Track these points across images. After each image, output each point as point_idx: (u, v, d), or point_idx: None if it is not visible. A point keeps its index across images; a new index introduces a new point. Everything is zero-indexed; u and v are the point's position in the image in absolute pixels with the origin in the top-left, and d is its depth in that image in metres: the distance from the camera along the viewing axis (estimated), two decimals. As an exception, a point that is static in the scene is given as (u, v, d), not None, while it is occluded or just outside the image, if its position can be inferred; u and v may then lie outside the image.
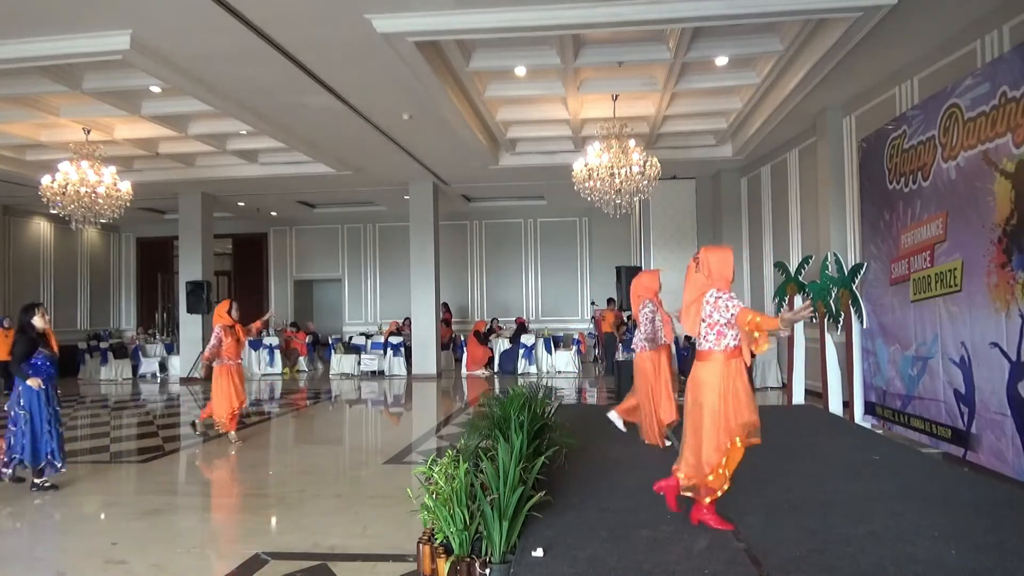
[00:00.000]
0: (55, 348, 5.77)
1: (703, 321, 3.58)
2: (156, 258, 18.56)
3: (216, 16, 6.10)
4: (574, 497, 4.17)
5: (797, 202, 10.75)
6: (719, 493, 3.60)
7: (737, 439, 3.51)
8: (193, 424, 7.37)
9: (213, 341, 7.32)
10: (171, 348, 15.51)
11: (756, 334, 3.41)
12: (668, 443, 5.66)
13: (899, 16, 6.26)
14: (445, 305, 16.11)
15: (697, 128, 10.92)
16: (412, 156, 11.61)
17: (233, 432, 7.46)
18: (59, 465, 5.68)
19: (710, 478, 3.55)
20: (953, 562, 3.15)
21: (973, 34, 6.46)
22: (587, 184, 8.88)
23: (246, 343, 7.54)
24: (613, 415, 6.12)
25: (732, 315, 3.48)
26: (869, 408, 7.27)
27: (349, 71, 7.66)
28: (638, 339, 5.83)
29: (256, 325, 8.16)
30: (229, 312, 7.44)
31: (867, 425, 7.12)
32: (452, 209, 16.77)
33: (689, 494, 3.65)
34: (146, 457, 7.01)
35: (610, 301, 14.15)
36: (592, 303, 17.25)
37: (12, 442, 5.57)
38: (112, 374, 14.68)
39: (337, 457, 7.48)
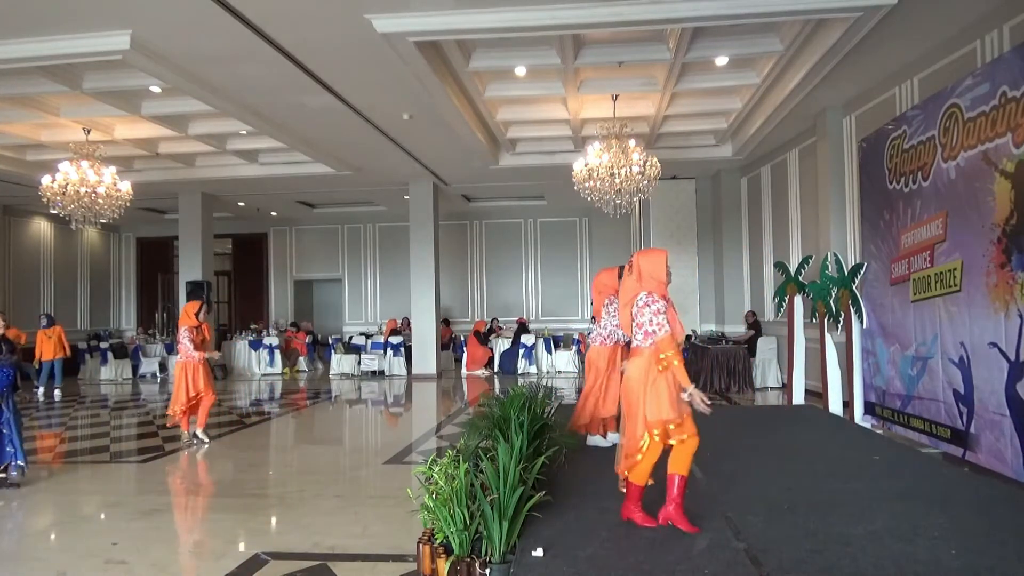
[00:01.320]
0: (22, 353, 5.83)
1: (634, 321, 3.77)
2: (156, 258, 18.54)
3: (216, 16, 6.10)
4: (574, 497, 4.17)
5: (797, 202, 10.75)
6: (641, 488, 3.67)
7: (655, 432, 3.53)
8: (193, 436, 7.49)
9: (186, 342, 7.49)
10: (171, 348, 15.47)
11: (660, 367, 3.56)
12: (611, 443, 5.72)
13: (899, 16, 6.27)
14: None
15: (697, 128, 10.92)
16: (412, 156, 11.61)
17: (186, 432, 7.55)
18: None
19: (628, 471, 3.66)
20: (953, 562, 3.15)
21: (973, 34, 6.46)
22: (587, 184, 8.88)
23: (211, 341, 7.84)
24: (592, 439, 5.83)
25: (653, 330, 3.62)
26: (869, 408, 7.27)
27: (349, 71, 7.66)
28: (596, 333, 5.95)
29: (205, 346, 8.01)
30: (197, 314, 7.63)
31: (867, 425, 7.12)
32: (452, 209, 16.76)
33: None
34: (146, 457, 7.02)
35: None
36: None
37: None
38: (112, 374, 14.67)
39: (337, 457, 7.48)
